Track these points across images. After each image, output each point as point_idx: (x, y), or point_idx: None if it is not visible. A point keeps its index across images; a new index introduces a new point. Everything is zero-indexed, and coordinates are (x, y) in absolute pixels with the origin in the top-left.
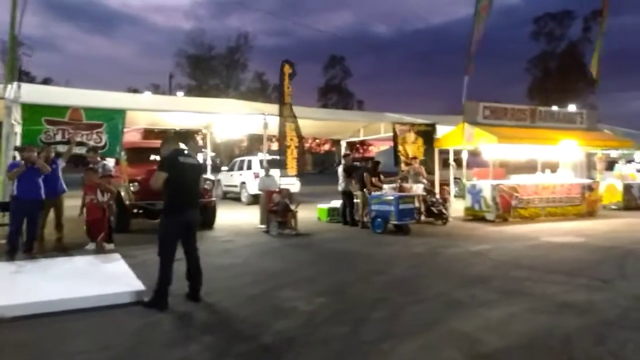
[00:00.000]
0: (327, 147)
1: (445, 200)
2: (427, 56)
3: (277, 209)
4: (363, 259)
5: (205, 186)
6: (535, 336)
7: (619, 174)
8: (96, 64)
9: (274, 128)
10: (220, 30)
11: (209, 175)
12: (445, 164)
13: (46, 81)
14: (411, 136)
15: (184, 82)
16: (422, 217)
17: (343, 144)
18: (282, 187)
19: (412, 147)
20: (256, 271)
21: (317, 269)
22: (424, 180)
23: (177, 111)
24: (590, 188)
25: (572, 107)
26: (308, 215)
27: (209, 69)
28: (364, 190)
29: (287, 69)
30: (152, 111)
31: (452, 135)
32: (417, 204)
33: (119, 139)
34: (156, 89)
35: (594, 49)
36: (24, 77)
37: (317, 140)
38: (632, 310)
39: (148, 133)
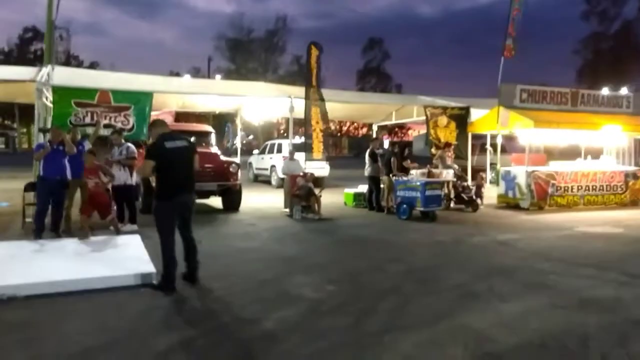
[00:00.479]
0: (364, 130)
1: (479, 187)
2: (471, 37)
3: (300, 193)
4: (382, 246)
5: (231, 169)
6: (550, 334)
7: None
8: (141, 47)
9: (301, 111)
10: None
11: (235, 158)
12: (482, 149)
13: (92, 65)
14: (443, 120)
15: (223, 65)
16: (452, 204)
17: (375, 127)
18: (306, 171)
19: (445, 131)
20: (271, 256)
21: (332, 255)
22: (455, 166)
23: (203, 94)
24: (635, 176)
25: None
26: (336, 199)
27: (248, 52)
28: (390, 175)
29: (314, 51)
30: (178, 93)
31: (486, 119)
32: (446, 190)
33: (147, 122)
34: (197, 72)
35: None
36: (72, 60)
37: (355, 124)
38: None
39: (180, 115)
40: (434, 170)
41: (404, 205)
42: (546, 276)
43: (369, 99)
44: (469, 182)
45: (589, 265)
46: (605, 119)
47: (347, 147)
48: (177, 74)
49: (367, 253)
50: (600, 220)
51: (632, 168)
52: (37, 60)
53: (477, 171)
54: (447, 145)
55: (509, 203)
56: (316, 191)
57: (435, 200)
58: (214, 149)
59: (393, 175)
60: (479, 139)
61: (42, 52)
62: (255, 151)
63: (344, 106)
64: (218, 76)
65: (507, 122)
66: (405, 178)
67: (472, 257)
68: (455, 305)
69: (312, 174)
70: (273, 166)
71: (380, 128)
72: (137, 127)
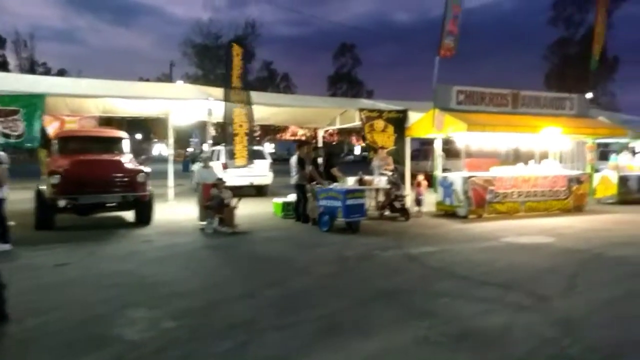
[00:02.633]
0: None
1: (417, 194)
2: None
3: (211, 205)
4: (277, 265)
5: (138, 179)
6: None
7: (614, 164)
8: (116, 54)
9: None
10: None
11: (145, 167)
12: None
13: (61, 72)
14: (380, 124)
15: (191, 71)
16: (387, 212)
17: (320, 132)
18: (219, 179)
19: (382, 135)
20: (133, 282)
21: (210, 280)
22: (388, 173)
23: (101, 97)
24: (578, 181)
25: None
26: (270, 209)
27: (216, 58)
28: (313, 183)
29: (237, 50)
30: (74, 97)
31: (422, 122)
32: (380, 198)
33: (39, 127)
34: (165, 78)
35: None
36: (38, 67)
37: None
38: (550, 343)
39: (105, 122)
40: (367, 178)
41: (326, 216)
42: (438, 300)
43: (303, 103)
44: (406, 189)
45: (495, 283)
46: (546, 122)
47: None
48: (147, 80)
49: (254, 275)
50: (536, 228)
51: (575, 172)
52: None
53: (415, 177)
54: (381, 148)
55: (446, 211)
56: (234, 202)
57: (358, 210)
58: (126, 157)
59: (317, 184)
60: (449, 144)
61: None
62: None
63: (285, 110)
64: (180, 81)
65: (442, 125)
66: (328, 186)
67: (370, 276)
68: (302, 344)
69: (223, 182)
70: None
71: (345, 133)
72: (27, 133)
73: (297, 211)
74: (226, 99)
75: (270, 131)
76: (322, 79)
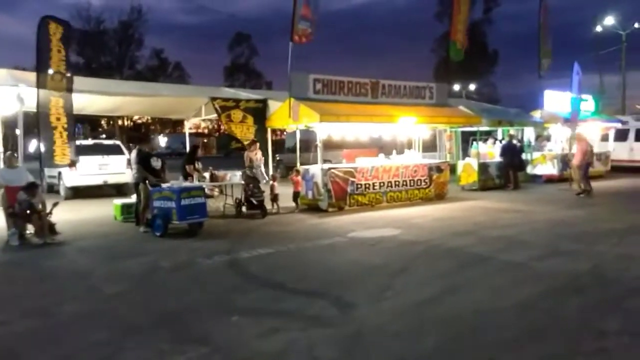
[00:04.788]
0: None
1: (272, 188)
2: (348, 37)
3: (16, 211)
4: (62, 285)
5: None
6: None
7: (475, 152)
8: None
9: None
10: (118, 5)
11: None
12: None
13: None
14: (238, 114)
15: (72, 59)
16: (244, 209)
17: (187, 124)
18: (31, 183)
19: (241, 127)
20: None
21: None
22: (259, 166)
23: None
24: (438, 169)
25: (472, 87)
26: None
27: (99, 45)
28: (147, 182)
29: (55, 28)
30: None
31: (280, 112)
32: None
33: None
34: (32, 68)
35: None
36: None
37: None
38: None
39: None
40: (218, 173)
41: (159, 220)
42: (226, 319)
43: (146, 91)
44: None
45: (307, 291)
46: (403, 111)
47: (215, 147)
48: (24, 69)
49: (20, 299)
50: (389, 219)
51: (436, 161)
52: None
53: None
54: (253, 142)
55: (309, 205)
56: (49, 206)
57: (197, 210)
58: None
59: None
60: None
61: None
62: None
63: (142, 100)
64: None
65: (297, 115)
66: (165, 185)
67: (166, 294)
68: None
69: (35, 185)
70: (60, 173)
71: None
72: None
73: (136, 214)
74: (40, 85)
75: (167, 124)
76: (219, 69)
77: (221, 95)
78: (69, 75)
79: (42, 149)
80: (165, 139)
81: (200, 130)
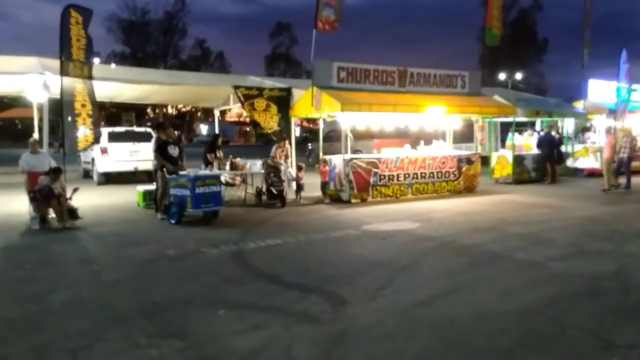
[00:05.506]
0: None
1: (297, 178)
2: (390, 27)
3: (36, 197)
4: (66, 271)
5: None
6: None
7: (510, 144)
8: (46, 31)
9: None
10: None
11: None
12: None
13: None
14: (261, 103)
15: (118, 49)
16: (265, 198)
17: (216, 112)
18: (55, 168)
19: (264, 115)
20: None
21: None
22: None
23: None
24: (469, 161)
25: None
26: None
27: (144, 35)
28: (164, 170)
29: (75, 16)
30: None
31: (303, 101)
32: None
33: None
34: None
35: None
36: None
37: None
38: None
39: None
40: (238, 162)
41: (174, 207)
42: (213, 312)
43: (170, 79)
44: (292, 173)
45: (303, 285)
46: (431, 100)
47: (254, 136)
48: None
49: (21, 285)
50: (411, 212)
51: (465, 152)
52: None
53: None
54: (283, 139)
55: (332, 195)
56: (69, 192)
57: (212, 198)
58: None
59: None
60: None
61: None
62: None
63: (170, 89)
64: (96, 59)
65: (319, 104)
66: (181, 173)
67: (161, 283)
68: None
69: (58, 170)
70: (94, 159)
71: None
72: None
73: (155, 201)
74: (63, 72)
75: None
76: (260, 59)
77: (246, 83)
78: (89, 62)
79: (68, 134)
80: (206, 127)
81: (242, 119)
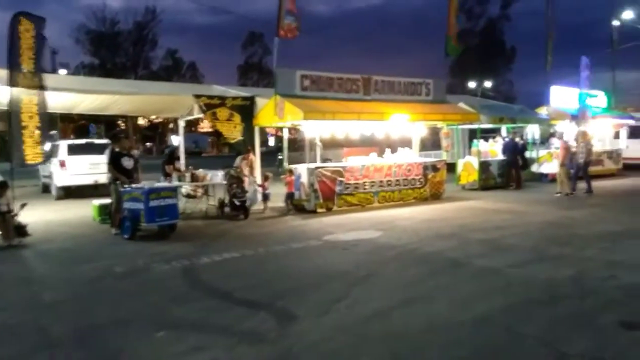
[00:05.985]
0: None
1: (263, 188)
2: (365, 36)
3: None
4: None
5: None
6: None
7: (476, 150)
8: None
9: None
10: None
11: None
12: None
13: None
14: (224, 112)
15: (87, 60)
16: (227, 210)
17: (181, 123)
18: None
19: (227, 125)
20: None
21: None
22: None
23: None
24: (434, 168)
25: (488, 84)
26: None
27: (114, 46)
28: (117, 182)
29: (26, 25)
30: None
31: (266, 110)
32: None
33: None
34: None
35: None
36: None
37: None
38: None
39: None
40: (198, 173)
41: (127, 222)
42: (151, 335)
43: (130, 89)
44: (257, 183)
45: (252, 301)
46: (396, 108)
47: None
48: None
49: None
50: (374, 221)
51: (431, 160)
52: None
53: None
54: (248, 151)
55: (298, 205)
56: (17, 207)
57: (167, 211)
58: None
59: (124, 184)
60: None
61: None
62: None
63: (131, 98)
64: (63, 71)
65: (283, 113)
66: (135, 186)
67: (102, 304)
68: None
69: (6, 186)
70: (53, 173)
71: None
72: None
73: (111, 215)
74: (12, 83)
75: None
76: (234, 69)
77: (209, 92)
78: (40, 73)
79: (15, 148)
80: (178, 138)
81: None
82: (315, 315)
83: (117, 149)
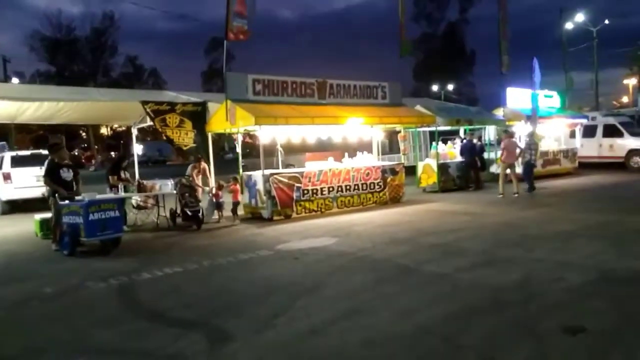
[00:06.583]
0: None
1: (217, 197)
2: (329, 40)
3: None
4: None
5: None
6: None
7: (434, 152)
8: None
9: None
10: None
11: None
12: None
13: None
14: (174, 119)
15: (43, 68)
16: (179, 221)
17: (134, 131)
18: None
19: (178, 132)
20: None
21: None
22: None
23: None
24: (393, 171)
25: (450, 87)
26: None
27: (71, 53)
28: (56, 195)
29: None
30: None
31: (218, 116)
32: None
33: None
34: (19, 77)
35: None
36: None
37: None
38: None
39: None
40: (146, 183)
41: (66, 237)
42: None
43: (73, 96)
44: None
45: (188, 320)
46: (352, 112)
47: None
48: None
49: None
50: (331, 227)
51: (389, 163)
52: None
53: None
54: (198, 160)
55: (253, 213)
56: None
57: (109, 225)
58: None
59: (62, 196)
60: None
61: None
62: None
63: (77, 106)
64: (15, 80)
65: (234, 118)
66: (76, 198)
67: (15, 334)
68: None
69: None
70: None
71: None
72: None
73: (54, 230)
74: None
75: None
76: (197, 75)
77: (159, 98)
78: None
79: None
80: (141, 146)
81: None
82: (250, 333)
83: (55, 160)
